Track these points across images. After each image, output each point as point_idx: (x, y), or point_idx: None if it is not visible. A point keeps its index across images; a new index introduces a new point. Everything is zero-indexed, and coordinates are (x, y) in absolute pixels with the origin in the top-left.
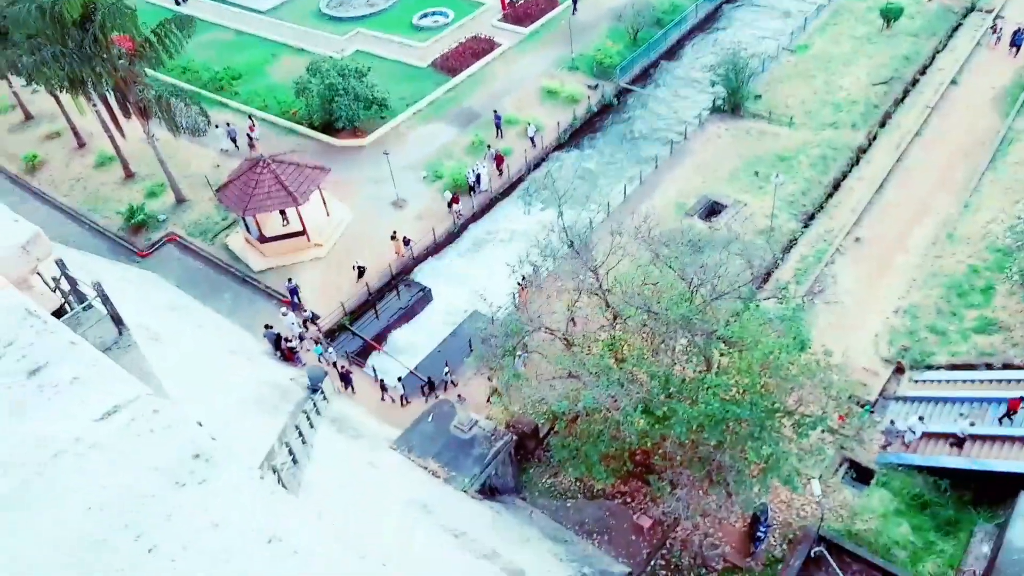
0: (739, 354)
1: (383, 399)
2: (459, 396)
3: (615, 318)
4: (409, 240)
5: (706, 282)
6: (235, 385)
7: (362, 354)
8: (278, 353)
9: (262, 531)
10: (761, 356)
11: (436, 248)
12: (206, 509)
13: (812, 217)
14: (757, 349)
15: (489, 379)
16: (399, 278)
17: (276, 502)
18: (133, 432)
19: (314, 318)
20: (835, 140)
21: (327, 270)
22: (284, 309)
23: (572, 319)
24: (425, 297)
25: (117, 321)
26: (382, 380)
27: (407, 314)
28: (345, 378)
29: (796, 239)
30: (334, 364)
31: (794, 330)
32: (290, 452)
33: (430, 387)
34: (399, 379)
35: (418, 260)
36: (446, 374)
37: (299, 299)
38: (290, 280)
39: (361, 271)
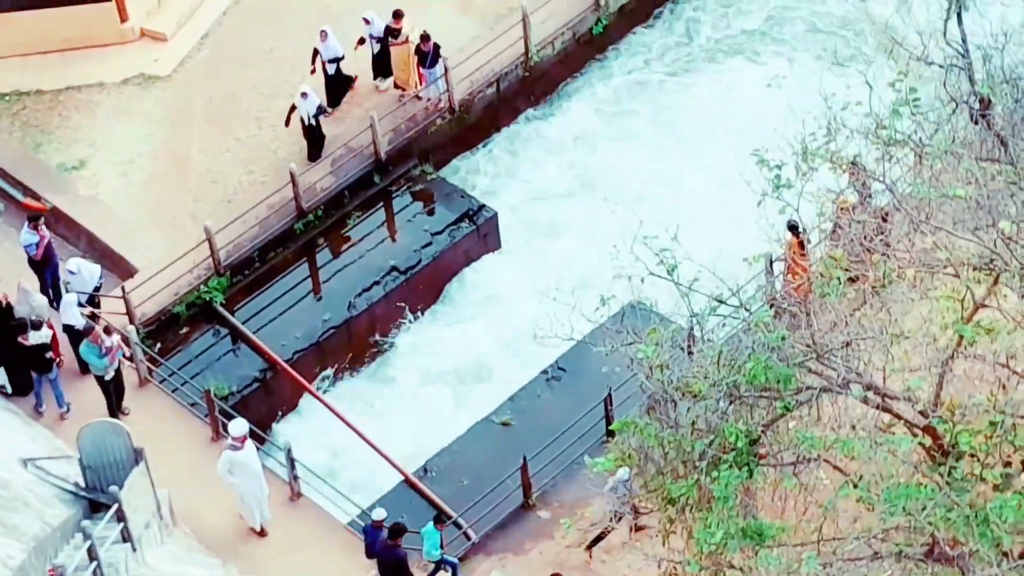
0: None
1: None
2: None
3: None
4: (436, 47)
5: None
6: None
7: (261, 403)
8: None
9: None
10: None
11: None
12: None
13: None
14: None
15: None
16: (401, 164)
17: None
18: None
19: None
20: None
21: (178, 121)
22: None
23: (950, 365)
24: (478, 237)
25: None
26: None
27: (414, 289)
28: None
29: None
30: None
31: None
32: None
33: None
34: (365, 524)
35: (468, 120)
36: (528, 501)
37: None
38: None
39: (310, 127)
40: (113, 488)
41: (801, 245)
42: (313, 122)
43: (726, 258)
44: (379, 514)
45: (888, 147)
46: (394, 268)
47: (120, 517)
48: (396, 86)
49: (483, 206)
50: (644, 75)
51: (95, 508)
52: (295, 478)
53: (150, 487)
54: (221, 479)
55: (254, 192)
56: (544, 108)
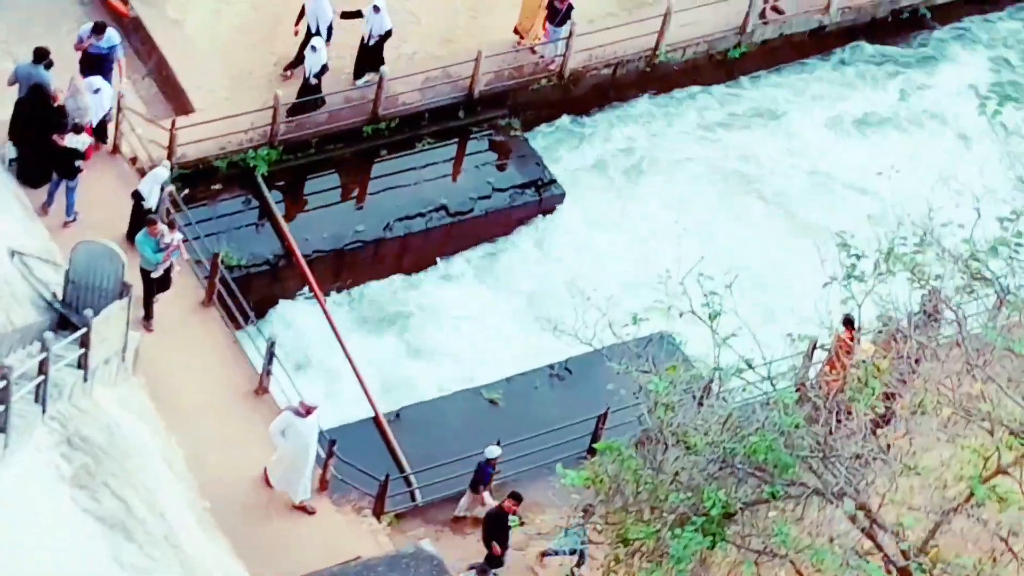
0: None
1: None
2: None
3: None
4: (570, 7)
5: None
6: None
7: (264, 287)
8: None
9: None
10: None
11: None
12: None
13: None
14: None
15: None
16: (490, 109)
17: None
18: None
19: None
20: None
21: None
22: None
23: (950, 517)
24: (538, 210)
25: None
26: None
27: (455, 236)
28: None
29: None
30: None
31: None
32: None
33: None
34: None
35: (573, 92)
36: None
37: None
38: None
39: (368, 47)
40: (88, 312)
41: (851, 342)
42: (372, 42)
43: (771, 326)
44: (493, 452)
45: (974, 280)
46: (443, 207)
47: (84, 343)
48: (515, 31)
49: (554, 181)
50: (759, 112)
51: (62, 325)
52: (268, 373)
53: (124, 326)
54: (272, 437)
55: (336, 79)
56: (653, 107)
